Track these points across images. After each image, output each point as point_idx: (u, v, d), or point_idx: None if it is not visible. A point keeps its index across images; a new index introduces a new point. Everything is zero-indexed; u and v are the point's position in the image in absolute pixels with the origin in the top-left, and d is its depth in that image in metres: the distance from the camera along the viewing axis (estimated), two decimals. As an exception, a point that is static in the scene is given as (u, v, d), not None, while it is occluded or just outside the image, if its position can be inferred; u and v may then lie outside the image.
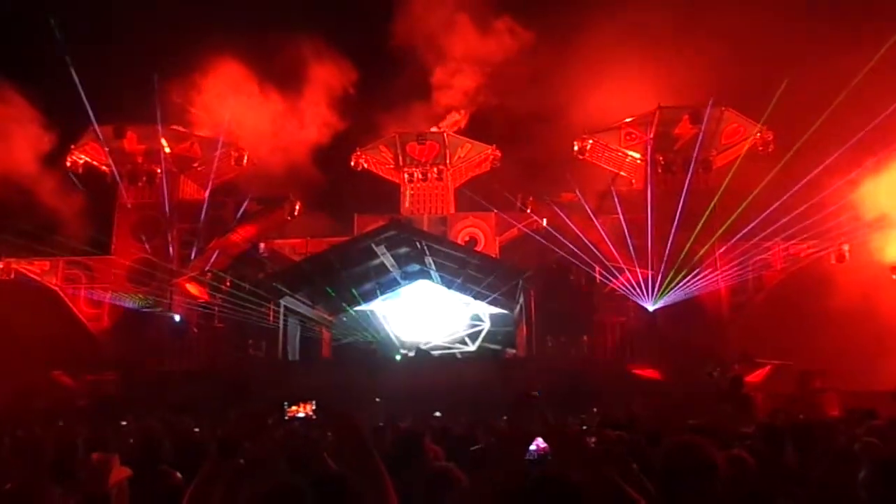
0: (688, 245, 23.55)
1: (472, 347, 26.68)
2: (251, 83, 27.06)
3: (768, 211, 21.87)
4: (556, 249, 24.06)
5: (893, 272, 23.63)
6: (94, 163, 26.99)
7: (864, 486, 3.19)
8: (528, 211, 26.55)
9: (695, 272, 23.64)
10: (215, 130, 27.41)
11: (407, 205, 28.14)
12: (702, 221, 23.61)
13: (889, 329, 21.91)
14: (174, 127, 27.32)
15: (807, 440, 4.90)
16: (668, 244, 23.67)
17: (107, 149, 26.23)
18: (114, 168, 26.56)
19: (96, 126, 25.93)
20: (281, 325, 23.64)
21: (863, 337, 21.12)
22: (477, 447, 5.93)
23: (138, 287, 25.35)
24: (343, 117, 28.42)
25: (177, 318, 25.18)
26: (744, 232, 23.41)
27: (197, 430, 8.33)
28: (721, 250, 24.18)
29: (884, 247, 22.91)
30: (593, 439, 5.09)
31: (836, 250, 23.71)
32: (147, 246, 25.93)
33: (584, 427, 9.23)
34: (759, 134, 25.08)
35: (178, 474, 4.04)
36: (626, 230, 25.21)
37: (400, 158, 27.99)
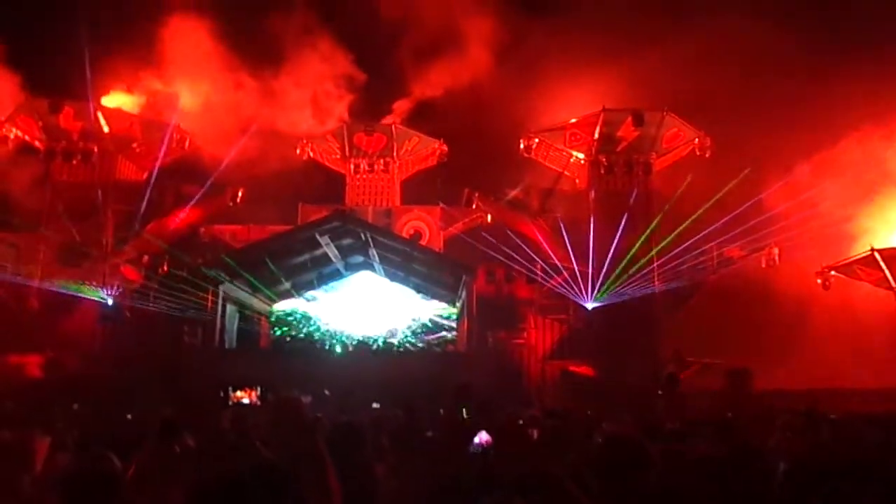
0: (634, 247, 24.18)
1: (412, 340, 26.74)
2: (199, 63, 26.32)
3: (700, 212, 22.61)
4: (500, 245, 24.32)
5: (818, 277, 24.83)
6: (26, 137, 25.84)
7: (781, 481, 3.37)
8: (474, 206, 26.76)
9: (632, 272, 24.26)
10: (158, 111, 26.62)
11: (352, 195, 27.92)
12: (646, 232, 24.28)
13: (815, 330, 23.01)
14: (113, 106, 26.43)
15: (730, 436, 5.14)
16: (612, 244, 24.22)
17: (40, 123, 25.16)
18: (48, 144, 25.50)
19: (29, 99, 24.89)
20: (219, 313, 23.16)
21: (791, 338, 22.16)
22: (424, 436, 5.98)
23: (69, 268, 24.38)
24: (291, 104, 27.96)
25: (109, 301, 24.35)
26: (678, 231, 24.18)
27: (129, 416, 8.14)
28: (658, 251, 24.89)
29: (812, 252, 23.94)
30: (535, 431, 5.22)
31: (767, 254, 24.69)
32: (80, 226, 24.95)
33: (521, 422, 9.40)
34: (697, 140, 25.97)
35: (116, 459, 3.95)
36: (567, 229, 25.68)
37: (347, 149, 27.73)
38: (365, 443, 4.48)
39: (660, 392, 18.64)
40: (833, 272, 24.92)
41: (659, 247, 24.69)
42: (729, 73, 24.94)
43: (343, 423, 4.95)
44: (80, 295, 24.15)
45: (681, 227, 23.53)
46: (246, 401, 10.41)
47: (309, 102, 27.96)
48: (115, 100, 27.14)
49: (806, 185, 23.04)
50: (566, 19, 27.20)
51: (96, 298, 24.20)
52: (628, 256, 24.11)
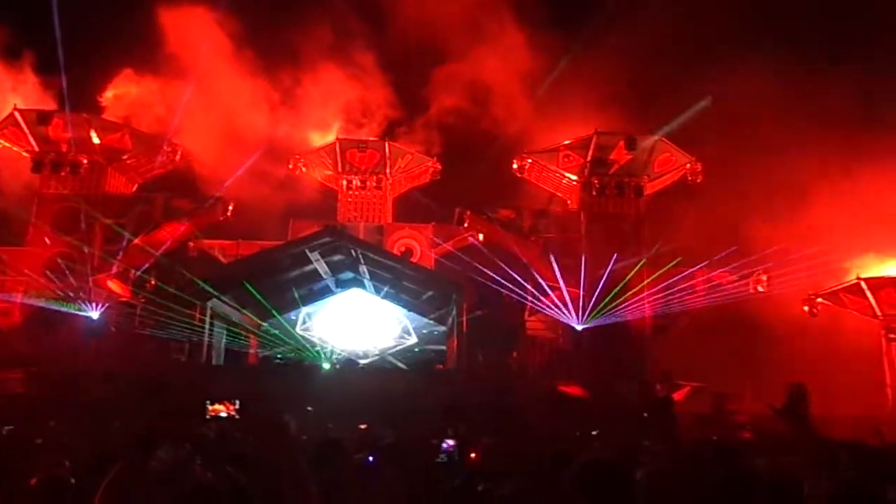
0: (624, 270, 24.22)
1: (400, 358, 26.56)
2: (192, 79, 26.34)
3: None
4: (491, 265, 24.28)
5: (804, 304, 24.97)
6: (14, 148, 25.66)
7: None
8: (466, 225, 26.76)
9: (622, 294, 24.27)
10: (150, 123, 26.61)
11: (343, 211, 27.86)
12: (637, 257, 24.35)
13: (802, 357, 23.01)
14: (105, 117, 26.37)
15: (720, 460, 5.07)
16: (603, 266, 24.24)
17: (29, 134, 24.99)
18: (36, 155, 25.32)
19: (19, 109, 24.78)
20: (206, 329, 22.91)
21: (776, 362, 22.15)
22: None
23: (55, 282, 24.10)
24: (283, 120, 28.04)
25: (95, 316, 24.06)
26: (670, 259, 24.28)
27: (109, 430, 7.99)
28: (648, 274, 24.95)
29: (799, 279, 24.07)
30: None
31: (755, 279, 24.80)
32: (67, 239, 24.71)
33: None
34: (689, 165, 26.18)
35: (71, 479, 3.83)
36: (558, 250, 25.72)
37: (339, 165, 27.71)
38: (350, 461, 4.39)
39: (645, 414, 18.52)
40: (820, 299, 25.08)
41: (650, 272, 24.76)
42: (719, 97, 25.18)
43: (328, 441, 4.85)
44: (65, 309, 23.85)
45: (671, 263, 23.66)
46: (223, 414, 10.24)
47: (304, 117, 28.07)
48: (107, 110, 27.08)
49: (795, 212, 23.26)
50: (560, 41, 27.39)
51: (82, 313, 23.92)
52: (619, 279, 24.13)
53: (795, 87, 22.33)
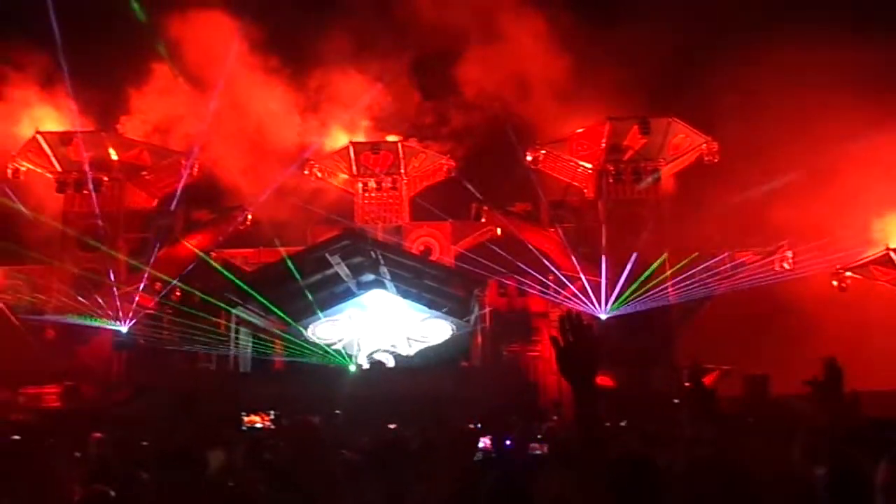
0: (645, 256, 24.06)
1: (425, 357, 26.60)
2: (202, 90, 26.56)
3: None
4: (511, 258, 24.27)
5: (833, 279, 24.59)
6: (38, 170, 26.15)
7: (824, 484, 3.23)
8: (483, 220, 26.75)
9: (645, 281, 24.11)
10: (165, 138, 26.94)
11: (361, 214, 27.97)
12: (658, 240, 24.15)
13: (831, 334, 22.71)
14: (122, 134, 26.79)
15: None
16: (624, 253, 24.11)
17: (51, 155, 25.46)
18: (59, 176, 25.81)
19: (41, 132, 25.26)
20: (232, 337, 23.20)
21: (806, 342, 21.86)
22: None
23: (83, 298, 24.56)
24: (298, 125, 28.12)
25: (124, 329, 24.48)
26: (693, 242, 24.08)
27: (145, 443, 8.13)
28: (671, 259, 24.76)
29: (826, 254, 23.71)
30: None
31: (781, 258, 24.50)
32: (93, 255, 25.16)
33: (539, 436, 9.37)
34: (705, 145, 25.87)
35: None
36: (577, 239, 25.63)
37: (354, 168, 27.82)
38: (410, 461, 4.40)
39: (676, 401, 18.39)
40: (849, 273, 24.70)
41: (673, 256, 24.54)
42: (740, 73, 24.75)
43: (389, 442, 4.87)
44: (94, 324, 24.32)
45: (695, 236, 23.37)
46: (259, 425, 10.42)
47: (316, 121, 28.16)
48: (126, 125, 27.45)
49: (819, 185, 22.85)
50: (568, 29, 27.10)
51: (111, 327, 24.36)
52: (639, 265, 23.98)
53: (818, 55, 21.83)
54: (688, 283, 24.38)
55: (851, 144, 22.93)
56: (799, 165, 22.74)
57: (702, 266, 24.54)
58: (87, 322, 24.37)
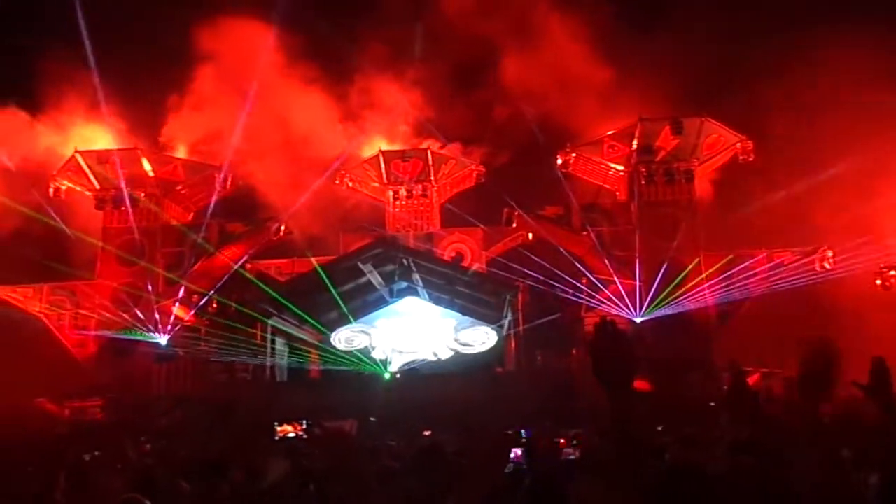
0: (681, 258, 23.72)
1: (459, 363, 26.51)
2: (237, 102, 26.90)
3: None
4: (543, 263, 24.10)
5: (877, 278, 23.93)
6: (77, 188, 26.84)
7: (876, 491, 3.13)
8: (514, 225, 26.63)
9: (681, 283, 23.76)
10: (199, 152, 27.43)
11: (392, 222, 28.07)
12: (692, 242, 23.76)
13: (874, 334, 22.07)
14: (163, 149, 27.42)
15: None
16: (657, 256, 23.79)
17: (90, 173, 26.11)
18: (98, 193, 26.46)
19: (79, 151, 25.91)
20: (268, 347, 23.45)
21: (849, 343, 21.23)
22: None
23: (124, 311, 25.11)
24: (328, 137, 28.32)
25: (163, 341, 24.95)
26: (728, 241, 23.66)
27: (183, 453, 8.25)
28: (706, 260, 24.36)
29: (868, 253, 23.10)
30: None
31: (820, 257, 23.94)
32: (131, 270, 25.72)
33: (575, 442, 9.30)
34: (739, 144, 25.41)
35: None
36: (610, 243, 25.37)
37: (384, 176, 27.96)
38: (451, 467, 4.37)
39: (712, 404, 18.02)
40: (893, 272, 24.02)
41: (709, 258, 24.12)
42: (779, 70, 24.24)
43: (427, 448, 4.83)
44: (135, 338, 24.84)
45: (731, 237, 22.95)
46: (292, 434, 10.52)
47: (349, 129, 28.35)
48: (162, 140, 28.05)
49: (860, 183, 22.27)
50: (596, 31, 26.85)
51: (151, 340, 24.85)
52: (674, 267, 23.64)
53: (861, 52, 21.28)
54: (724, 284, 23.95)
55: (893, 142, 22.33)
56: (838, 163, 22.20)
57: (739, 267, 24.10)
58: (128, 336, 24.91)
